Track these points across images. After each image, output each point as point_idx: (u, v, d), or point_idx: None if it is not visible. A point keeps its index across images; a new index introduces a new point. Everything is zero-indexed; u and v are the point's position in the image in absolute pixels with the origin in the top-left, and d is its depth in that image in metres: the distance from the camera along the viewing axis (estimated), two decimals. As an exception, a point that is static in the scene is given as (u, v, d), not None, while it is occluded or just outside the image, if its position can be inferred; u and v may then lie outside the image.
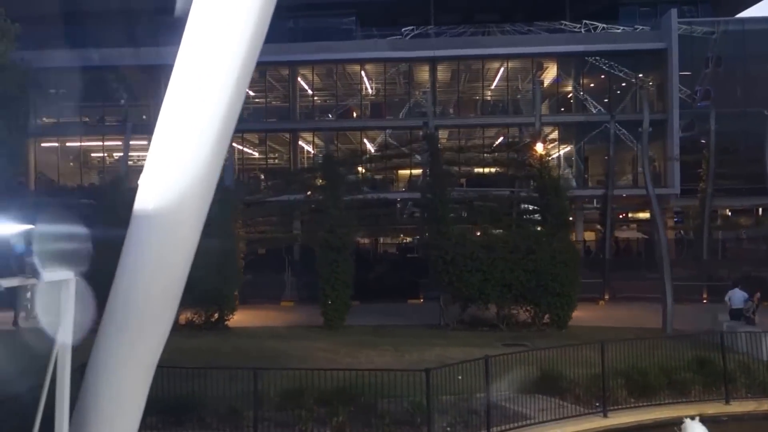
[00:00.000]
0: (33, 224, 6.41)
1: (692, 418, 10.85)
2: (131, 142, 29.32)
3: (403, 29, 39.74)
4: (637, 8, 40.42)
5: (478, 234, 22.68)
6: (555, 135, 37.46)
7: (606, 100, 37.18)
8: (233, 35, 6.54)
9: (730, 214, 36.89)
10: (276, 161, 40.94)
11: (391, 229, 35.56)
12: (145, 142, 35.87)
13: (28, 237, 6.24)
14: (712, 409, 12.46)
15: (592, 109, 36.89)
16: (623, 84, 37.54)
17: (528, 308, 20.79)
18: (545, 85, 38.07)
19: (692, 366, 13.40)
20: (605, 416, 12.05)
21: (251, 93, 36.75)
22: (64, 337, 6.97)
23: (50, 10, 34.64)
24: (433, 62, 37.46)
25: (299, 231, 27.47)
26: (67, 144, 38.92)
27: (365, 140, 39.72)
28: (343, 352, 16.57)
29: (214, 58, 6.59)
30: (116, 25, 34.34)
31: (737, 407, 12.76)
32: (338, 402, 11.02)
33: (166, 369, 9.17)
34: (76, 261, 7.19)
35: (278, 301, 26.24)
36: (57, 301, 6.92)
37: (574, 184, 35.51)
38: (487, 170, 29.99)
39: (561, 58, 37.69)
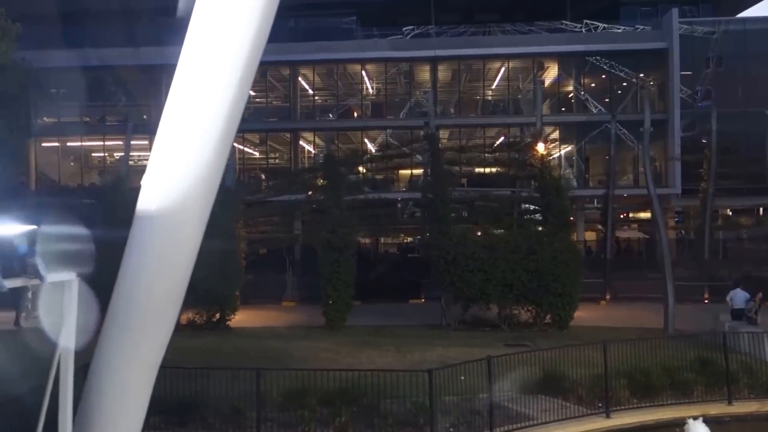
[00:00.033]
0: (36, 225, 6.40)
1: (694, 418, 10.85)
2: (131, 142, 29.32)
3: (403, 29, 39.74)
4: (638, 8, 40.39)
5: (480, 234, 22.67)
6: (556, 135, 37.46)
7: (607, 100, 37.17)
8: (236, 35, 6.52)
9: (730, 213, 36.87)
10: (277, 161, 40.92)
11: (392, 229, 35.55)
12: (145, 142, 36.03)
13: (31, 238, 6.23)
14: (715, 409, 12.44)
15: (593, 109, 36.87)
16: (624, 84, 37.51)
17: (529, 308, 20.77)
18: (546, 84, 38.03)
19: (695, 366, 13.39)
20: (608, 417, 12.03)
21: (252, 93, 36.69)
22: (67, 337, 6.96)
23: (51, 10, 34.62)
24: (433, 62, 37.44)
25: (300, 231, 27.43)
26: (68, 144, 38.89)
27: (366, 140, 39.71)
28: (344, 353, 16.55)
29: (217, 58, 6.58)
30: (117, 25, 34.36)
31: (740, 408, 12.74)
32: (341, 402, 11.00)
33: (168, 369, 9.15)
34: (78, 262, 7.18)
35: (279, 301, 26.24)
36: (59, 302, 6.91)
37: (574, 184, 35.48)
38: (488, 170, 30.00)
39: (562, 58, 37.67)
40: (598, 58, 36.41)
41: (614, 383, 12.44)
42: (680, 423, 11.09)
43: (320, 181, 23.41)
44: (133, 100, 38.80)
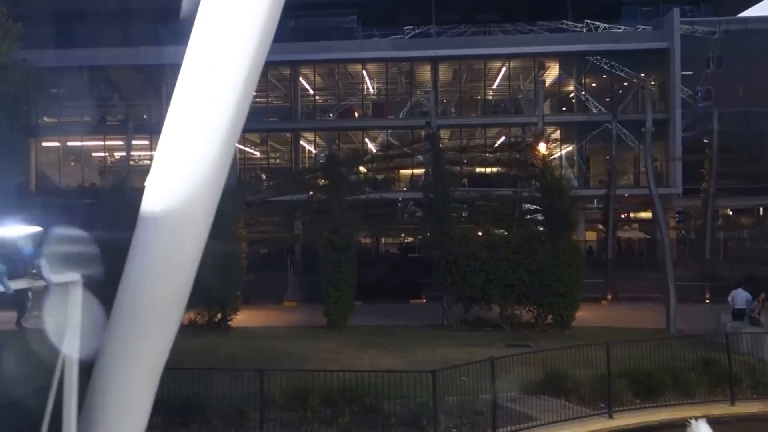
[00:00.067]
0: (40, 227, 6.40)
1: (696, 419, 10.82)
2: (131, 142, 29.31)
3: (404, 29, 39.72)
4: (639, 8, 40.32)
5: (481, 234, 22.66)
6: (557, 135, 37.43)
7: (608, 100, 37.15)
8: (241, 35, 6.51)
9: (730, 213, 36.88)
10: (277, 161, 40.91)
11: (393, 229, 35.54)
12: (146, 142, 36.03)
13: (36, 239, 6.23)
14: (718, 410, 12.43)
15: (593, 109, 36.85)
16: (625, 84, 37.49)
17: (531, 309, 20.77)
18: (547, 84, 37.99)
19: (697, 367, 13.38)
20: (611, 417, 12.01)
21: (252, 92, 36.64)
22: (72, 338, 6.95)
23: (51, 10, 34.62)
24: (434, 62, 37.40)
25: (301, 231, 27.43)
26: (68, 144, 38.84)
27: (367, 140, 39.69)
28: (346, 353, 16.56)
29: (222, 58, 6.57)
30: (118, 25, 34.35)
31: (743, 408, 12.72)
32: (344, 403, 10.99)
33: (171, 370, 9.14)
34: (82, 263, 7.18)
35: (280, 301, 26.23)
36: (64, 303, 6.90)
37: (575, 183, 35.46)
38: (489, 170, 29.96)
39: (562, 58, 37.63)
40: (598, 58, 36.35)
41: (617, 384, 12.43)
42: (683, 423, 11.04)
43: (321, 181, 23.39)
44: (134, 100, 38.79)
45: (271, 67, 35.30)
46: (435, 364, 12.82)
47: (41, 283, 6.31)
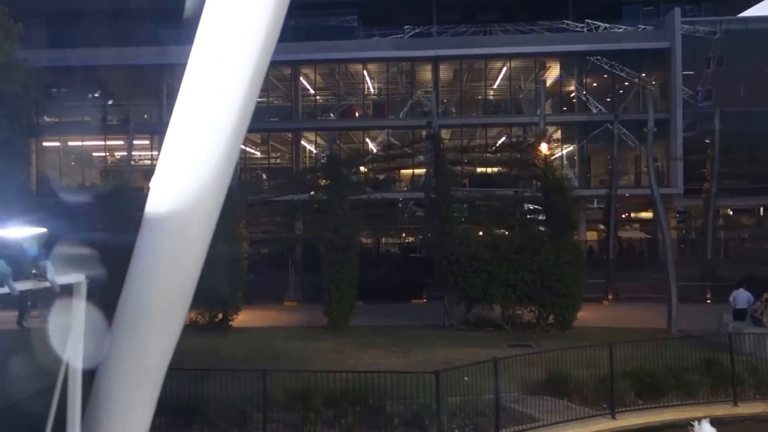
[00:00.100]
0: (44, 228, 6.38)
1: (699, 421, 10.80)
2: (133, 142, 29.29)
3: (404, 28, 39.71)
4: (640, 7, 40.32)
5: (483, 234, 22.65)
6: (557, 135, 37.41)
7: (608, 100, 37.15)
8: (247, 35, 6.50)
9: (731, 213, 36.88)
10: (278, 161, 40.92)
11: (394, 228, 35.53)
12: (146, 142, 36.03)
13: (40, 241, 6.22)
14: (721, 410, 12.39)
15: (593, 109, 36.84)
16: (626, 83, 37.49)
17: (532, 309, 20.75)
18: (548, 84, 37.99)
19: (699, 367, 13.36)
20: (613, 418, 11.99)
21: (253, 92, 36.58)
22: (76, 339, 6.94)
23: (52, 10, 34.61)
24: (435, 62, 37.42)
25: (302, 231, 27.43)
26: (69, 143, 38.84)
27: (367, 140, 39.68)
28: (348, 353, 16.54)
29: (227, 58, 6.55)
30: (119, 25, 34.32)
31: (745, 409, 12.71)
32: (346, 403, 10.98)
33: (173, 370, 9.13)
34: (86, 264, 7.17)
35: (281, 301, 26.23)
36: (68, 304, 6.89)
37: (576, 183, 35.45)
38: (490, 170, 29.93)
39: (563, 58, 37.65)
40: (599, 57, 36.38)
41: (619, 384, 12.41)
42: (686, 424, 11.03)
43: (323, 181, 23.37)
44: (135, 99, 38.77)
45: (271, 66, 34.64)
46: (437, 365, 12.82)
47: (46, 284, 6.29)
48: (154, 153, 36.78)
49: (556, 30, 38.36)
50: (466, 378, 11.96)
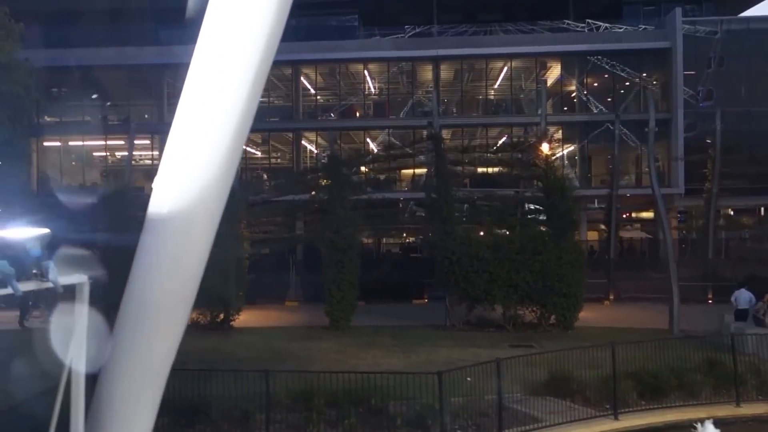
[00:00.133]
0: (47, 228, 6.37)
1: (702, 423, 10.77)
2: (134, 142, 29.25)
3: (405, 28, 39.68)
4: (641, 7, 40.32)
5: (484, 234, 22.62)
6: (558, 135, 37.39)
7: (609, 100, 37.13)
8: (250, 35, 6.49)
9: (732, 213, 36.85)
10: (279, 161, 40.91)
11: (395, 228, 35.49)
12: (147, 142, 35.99)
13: (43, 241, 6.21)
14: (723, 411, 12.36)
15: (593, 109, 36.82)
16: (627, 83, 37.47)
17: (534, 309, 20.72)
18: (548, 84, 37.98)
19: (702, 368, 13.34)
20: (616, 419, 11.97)
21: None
22: (78, 339, 6.92)
23: (53, 9, 34.57)
24: (436, 61, 37.40)
25: (303, 231, 27.40)
26: (69, 143, 38.82)
27: (368, 140, 39.67)
28: (350, 353, 16.52)
29: (230, 58, 6.54)
30: (118, 25, 34.29)
31: (748, 409, 12.69)
32: (349, 404, 10.96)
33: (175, 371, 9.11)
34: (88, 265, 7.16)
35: (282, 301, 26.18)
36: (71, 305, 6.88)
37: (577, 183, 35.43)
38: (491, 170, 29.92)
39: (564, 58, 37.61)
40: (600, 57, 36.35)
41: (622, 385, 12.39)
42: (688, 425, 11.01)
43: (323, 181, 23.35)
44: (135, 99, 38.74)
45: (272, 66, 34.87)
46: (438, 365, 12.80)
47: (49, 285, 6.28)
48: (155, 153, 36.79)
49: (556, 30, 38.35)
50: (468, 379, 11.94)
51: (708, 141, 30.75)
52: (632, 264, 32.60)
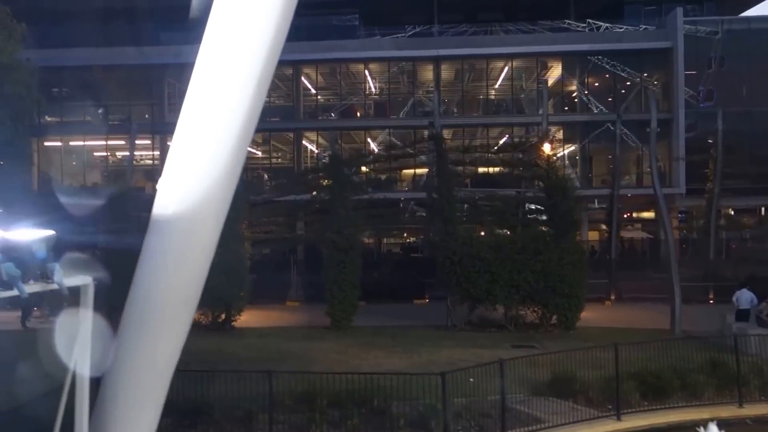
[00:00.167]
0: (52, 230, 6.36)
1: (704, 425, 10.76)
2: (135, 142, 29.23)
3: (406, 28, 39.67)
4: (642, 7, 40.27)
5: (485, 234, 22.60)
6: (559, 135, 37.41)
7: (610, 100, 37.12)
8: (255, 34, 6.46)
9: (732, 213, 36.86)
10: (279, 161, 40.90)
11: (396, 228, 35.48)
12: (147, 142, 35.97)
13: (48, 243, 6.20)
14: (726, 412, 12.38)
15: (594, 109, 36.80)
16: (627, 83, 37.46)
17: (536, 309, 20.72)
18: (549, 84, 37.99)
19: (704, 368, 13.34)
20: (619, 419, 11.96)
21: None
22: (83, 341, 6.91)
23: (53, 9, 34.56)
24: (436, 61, 37.41)
25: (304, 231, 27.40)
26: (70, 143, 38.81)
27: (369, 139, 39.67)
28: (351, 353, 16.52)
29: (235, 58, 6.52)
30: (120, 25, 34.26)
31: (751, 410, 12.69)
32: (352, 405, 10.96)
33: (178, 372, 9.10)
34: (93, 266, 7.15)
35: (283, 301, 26.17)
36: (76, 307, 6.87)
37: (578, 183, 35.42)
38: (492, 170, 29.92)
39: (565, 58, 37.64)
40: (601, 57, 36.35)
41: (624, 385, 12.39)
42: (691, 426, 11.02)
43: (324, 181, 23.34)
44: (136, 99, 38.74)
45: (273, 66, 35.15)
46: (440, 365, 12.80)
47: (54, 287, 6.27)
48: (156, 153, 36.79)
49: (557, 30, 38.33)
50: (471, 379, 11.94)
51: (709, 141, 30.76)
52: (633, 264, 32.60)
